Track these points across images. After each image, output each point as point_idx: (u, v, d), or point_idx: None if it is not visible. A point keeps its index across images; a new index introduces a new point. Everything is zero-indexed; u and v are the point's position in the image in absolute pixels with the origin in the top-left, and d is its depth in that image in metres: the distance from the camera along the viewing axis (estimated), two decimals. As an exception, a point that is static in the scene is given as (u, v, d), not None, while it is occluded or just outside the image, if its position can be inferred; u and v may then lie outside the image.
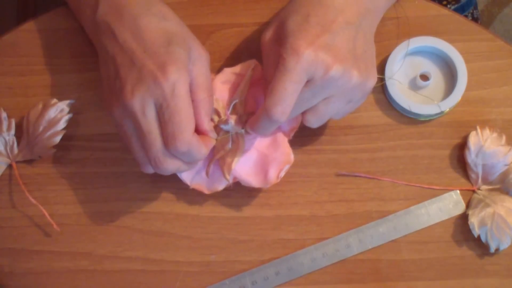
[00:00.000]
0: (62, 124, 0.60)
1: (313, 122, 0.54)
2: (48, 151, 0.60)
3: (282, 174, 0.56)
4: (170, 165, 0.52)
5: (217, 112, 0.57)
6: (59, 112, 0.60)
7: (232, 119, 0.56)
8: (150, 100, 0.50)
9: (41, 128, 0.60)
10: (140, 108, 0.50)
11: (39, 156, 0.60)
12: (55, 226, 0.59)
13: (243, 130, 0.56)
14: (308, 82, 0.51)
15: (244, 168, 0.57)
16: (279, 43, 0.51)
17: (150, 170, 0.53)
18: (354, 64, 0.51)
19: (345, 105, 0.54)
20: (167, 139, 0.50)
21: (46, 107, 0.60)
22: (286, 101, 0.50)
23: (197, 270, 0.59)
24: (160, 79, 0.49)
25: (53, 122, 0.60)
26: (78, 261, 0.59)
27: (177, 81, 0.50)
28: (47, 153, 0.60)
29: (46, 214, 0.59)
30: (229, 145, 0.56)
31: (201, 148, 0.52)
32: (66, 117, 0.60)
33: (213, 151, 0.56)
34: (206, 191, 0.57)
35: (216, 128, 0.56)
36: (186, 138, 0.50)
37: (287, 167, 0.56)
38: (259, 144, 0.58)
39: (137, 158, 0.53)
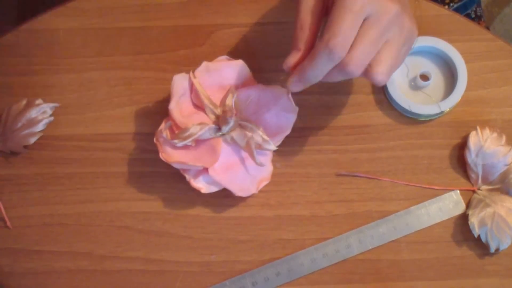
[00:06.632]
0: (40, 126, 0.60)
1: (381, 72, 0.51)
2: (21, 149, 0.60)
3: None
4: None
5: (213, 112, 0.58)
6: (40, 114, 0.60)
7: (234, 117, 0.56)
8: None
9: (19, 125, 0.60)
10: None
11: (10, 151, 0.60)
12: (8, 223, 0.59)
13: (236, 120, 0.57)
14: (372, 20, 0.49)
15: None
16: None
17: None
18: (404, 6, 0.51)
19: (401, 49, 0.52)
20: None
21: (29, 105, 0.60)
22: (346, 33, 0.48)
23: (197, 270, 0.59)
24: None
25: (33, 122, 0.60)
26: (78, 261, 0.59)
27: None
28: (18, 151, 0.60)
29: (3, 210, 0.60)
30: (247, 132, 0.56)
31: None
32: (47, 120, 0.60)
33: (239, 150, 0.58)
34: (269, 180, 0.59)
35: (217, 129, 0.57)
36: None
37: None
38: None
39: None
